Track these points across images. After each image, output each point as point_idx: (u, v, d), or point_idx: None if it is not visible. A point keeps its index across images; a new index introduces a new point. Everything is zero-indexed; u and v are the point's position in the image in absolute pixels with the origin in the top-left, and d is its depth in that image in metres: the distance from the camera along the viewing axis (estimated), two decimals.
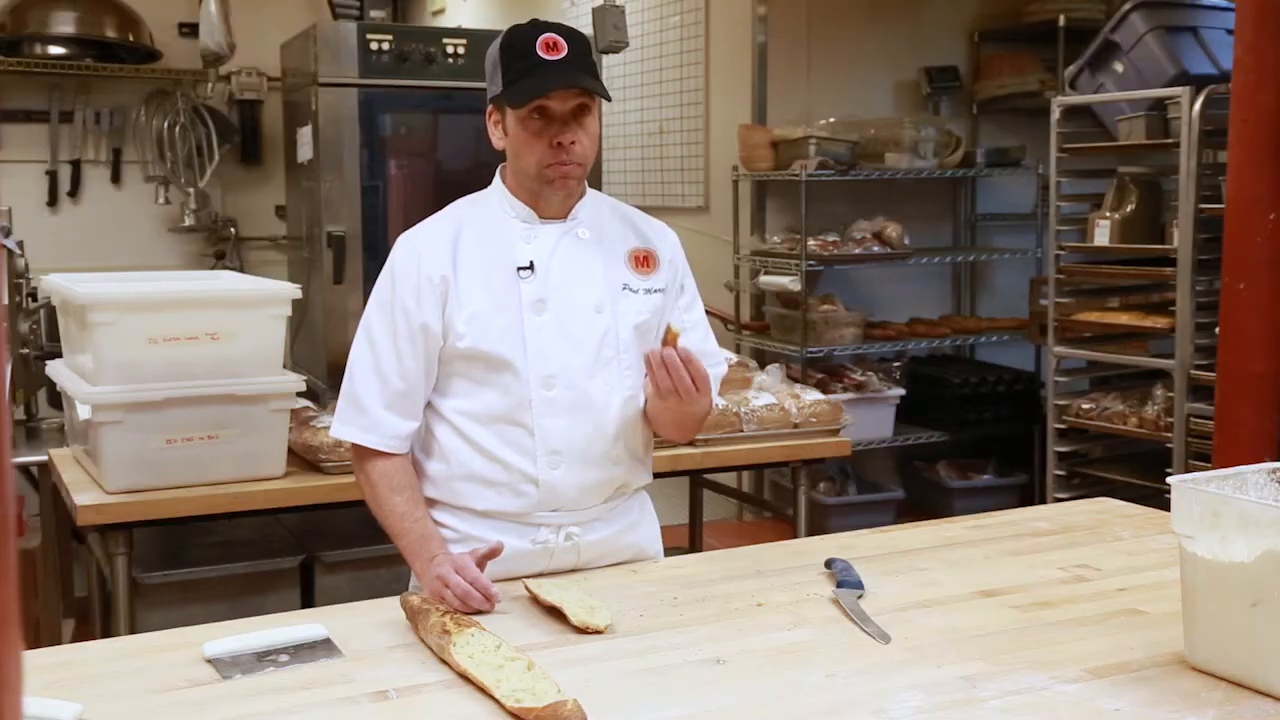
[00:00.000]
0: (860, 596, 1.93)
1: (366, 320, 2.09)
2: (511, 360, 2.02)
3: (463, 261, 2.04)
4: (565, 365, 2.03)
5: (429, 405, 2.09)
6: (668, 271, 2.16)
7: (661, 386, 1.96)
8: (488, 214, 2.10)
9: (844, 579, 1.98)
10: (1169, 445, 4.26)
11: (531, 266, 2.05)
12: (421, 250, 2.06)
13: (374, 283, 2.13)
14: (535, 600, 1.91)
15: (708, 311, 2.34)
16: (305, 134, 4.36)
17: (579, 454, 2.05)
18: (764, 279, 5.46)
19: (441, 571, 1.90)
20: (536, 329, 2.03)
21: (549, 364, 2.03)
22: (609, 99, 2.05)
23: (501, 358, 2.02)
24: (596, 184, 4.43)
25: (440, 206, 2.20)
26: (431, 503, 2.09)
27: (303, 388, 2.88)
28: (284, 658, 1.71)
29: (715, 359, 2.21)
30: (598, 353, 2.05)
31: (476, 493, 2.06)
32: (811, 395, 3.53)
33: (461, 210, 2.14)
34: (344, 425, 2.08)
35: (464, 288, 2.03)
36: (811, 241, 5.21)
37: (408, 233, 2.12)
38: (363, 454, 2.07)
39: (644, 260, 2.14)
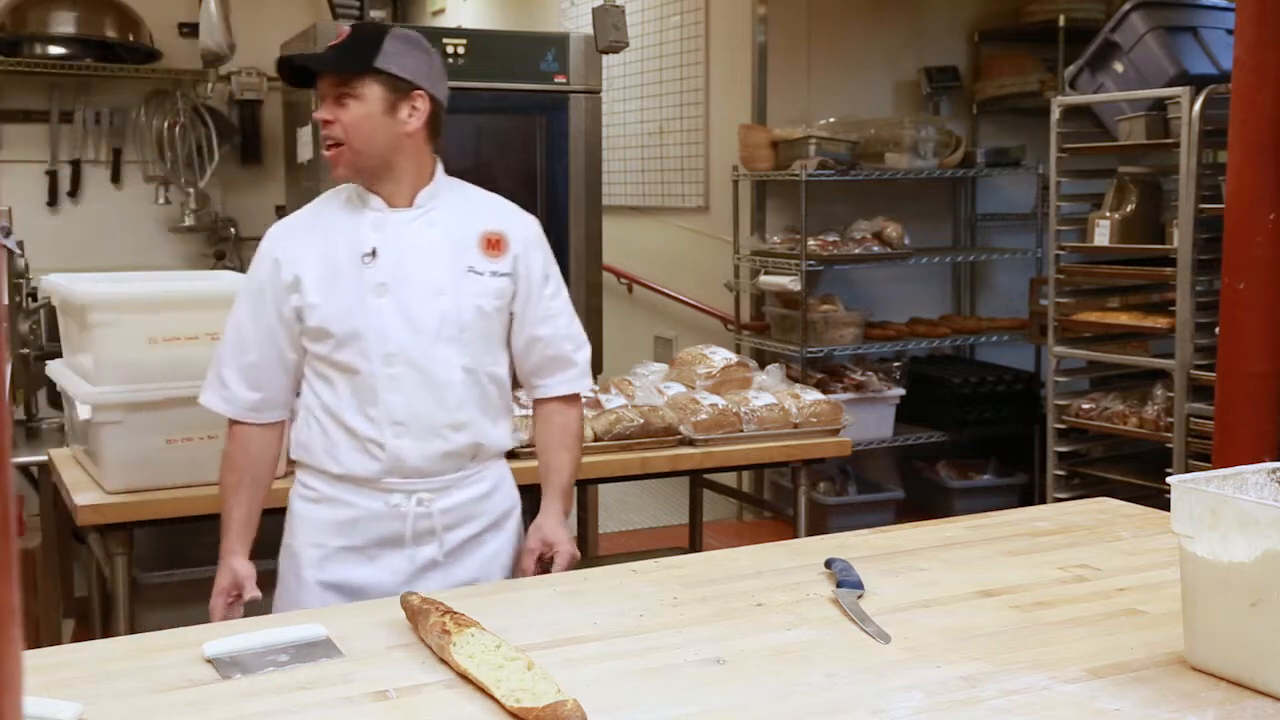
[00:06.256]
0: (860, 596, 1.93)
1: (235, 304, 2.30)
2: (354, 340, 2.20)
3: (315, 253, 2.23)
4: (403, 344, 2.20)
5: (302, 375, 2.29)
6: (516, 260, 2.29)
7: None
8: (342, 204, 2.28)
9: (844, 579, 1.98)
10: (1169, 445, 4.26)
11: (374, 253, 2.21)
12: (275, 244, 2.26)
13: None
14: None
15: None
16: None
17: (422, 425, 2.22)
18: (764, 279, 5.45)
19: (222, 577, 2.23)
20: (377, 311, 2.20)
21: (388, 343, 2.20)
22: (337, 70, 2.17)
23: (345, 338, 2.20)
24: (596, 184, 4.44)
25: None
26: (298, 464, 2.32)
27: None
28: (284, 658, 1.71)
29: (579, 341, 2.39)
30: (438, 332, 2.22)
31: (332, 458, 2.24)
32: (811, 395, 3.53)
33: (324, 203, 2.32)
34: (206, 393, 2.33)
35: (315, 276, 2.22)
36: (811, 241, 5.21)
37: (275, 225, 2.33)
38: (230, 423, 2.32)
39: (495, 243, 2.28)
